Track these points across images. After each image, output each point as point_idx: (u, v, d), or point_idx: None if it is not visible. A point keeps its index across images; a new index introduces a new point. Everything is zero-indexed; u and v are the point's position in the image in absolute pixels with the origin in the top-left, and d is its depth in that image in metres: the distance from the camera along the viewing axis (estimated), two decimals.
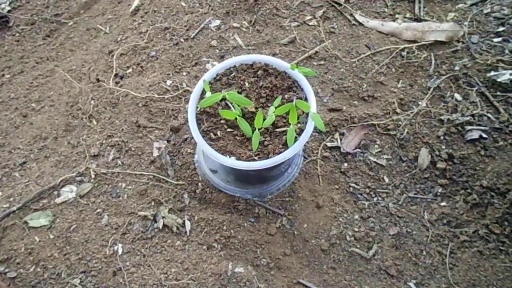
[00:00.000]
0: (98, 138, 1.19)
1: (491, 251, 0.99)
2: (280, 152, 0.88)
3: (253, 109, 0.93)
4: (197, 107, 0.94)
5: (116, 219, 1.06)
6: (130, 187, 1.11)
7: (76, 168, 1.15)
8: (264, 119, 0.89)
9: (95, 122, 1.22)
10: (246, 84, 0.97)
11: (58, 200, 1.10)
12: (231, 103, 0.92)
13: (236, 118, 0.89)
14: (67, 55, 1.51)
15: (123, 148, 1.16)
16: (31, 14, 1.65)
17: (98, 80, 1.30)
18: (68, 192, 1.11)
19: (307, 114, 0.91)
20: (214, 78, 0.98)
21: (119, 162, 1.14)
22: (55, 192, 1.12)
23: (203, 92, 0.95)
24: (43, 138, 1.25)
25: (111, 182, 1.12)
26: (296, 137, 0.89)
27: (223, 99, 0.93)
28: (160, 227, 1.05)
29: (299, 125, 0.91)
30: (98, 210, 1.08)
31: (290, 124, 0.88)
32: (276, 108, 0.89)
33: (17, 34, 1.60)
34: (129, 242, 1.03)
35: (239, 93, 0.95)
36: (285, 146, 0.89)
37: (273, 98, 0.94)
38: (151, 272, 0.99)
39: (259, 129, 0.88)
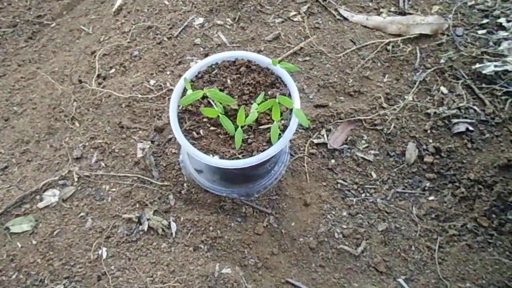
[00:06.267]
0: (81, 140, 1.16)
1: (479, 244, 0.99)
2: (264, 150, 0.87)
3: (236, 107, 0.92)
4: (178, 106, 0.93)
5: (100, 223, 1.04)
6: (114, 189, 1.08)
7: (58, 172, 1.12)
8: (247, 116, 0.87)
9: (77, 124, 1.20)
10: (229, 81, 0.95)
11: (40, 205, 1.08)
12: (213, 101, 0.90)
13: (218, 116, 0.88)
14: (50, 57, 1.48)
15: (107, 150, 1.14)
16: (13, 16, 1.62)
17: (80, 81, 1.28)
18: (51, 196, 1.09)
19: (291, 110, 0.89)
20: (196, 76, 0.96)
21: (103, 164, 1.12)
22: (38, 197, 1.09)
23: (185, 91, 0.93)
24: (25, 142, 1.22)
25: (94, 185, 1.09)
26: (280, 134, 0.87)
27: (205, 97, 0.91)
28: (145, 229, 1.03)
29: (283, 121, 0.90)
30: (81, 214, 1.06)
31: (273, 121, 0.87)
32: (258, 104, 0.88)
33: None
34: (113, 246, 1.01)
35: (222, 90, 0.93)
36: (269, 143, 0.88)
37: (256, 95, 0.93)
38: (137, 275, 0.97)
39: (241, 127, 0.87)
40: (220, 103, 0.89)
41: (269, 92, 0.93)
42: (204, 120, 0.93)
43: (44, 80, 1.37)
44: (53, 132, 1.22)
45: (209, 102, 0.92)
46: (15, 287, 0.97)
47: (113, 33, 1.38)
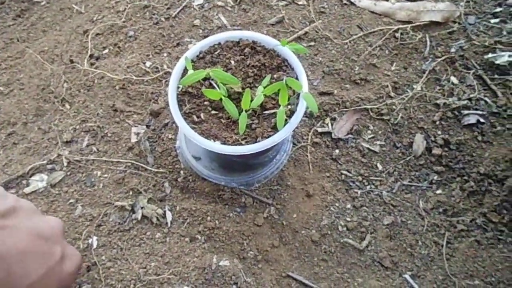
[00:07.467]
0: (71, 123, 1.10)
1: (489, 240, 0.95)
2: (269, 136, 0.81)
3: (240, 90, 0.86)
4: (178, 87, 0.87)
5: (91, 210, 0.98)
6: (106, 175, 1.02)
7: (47, 156, 1.06)
8: (252, 100, 0.81)
9: (68, 106, 1.13)
10: (232, 62, 0.89)
11: (27, 190, 1.01)
12: (216, 83, 0.84)
13: (221, 99, 0.82)
14: (39, 36, 1.40)
15: (99, 134, 1.07)
16: None
17: (71, 61, 1.21)
18: (38, 181, 1.02)
19: (298, 95, 0.84)
20: (197, 56, 0.90)
21: (94, 148, 1.06)
22: (24, 181, 1.03)
23: (185, 71, 0.87)
24: (11, 124, 1.15)
25: (85, 170, 1.03)
26: (286, 120, 0.82)
27: (207, 78, 0.85)
28: (139, 218, 0.97)
29: (289, 106, 0.84)
30: (71, 200, 1.00)
31: (280, 105, 0.81)
32: (264, 87, 0.82)
33: None
34: (104, 235, 0.95)
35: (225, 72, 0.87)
36: (274, 129, 0.82)
37: (261, 78, 0.87)
38: (129, 266, 0.92)
39: (246, 111, 0.81)
40: (224, 85, 0.83)
41: (275, 75, 0.87)
42: (205, 103, 0.87)
43: (32, 60, 1.29)
44: (41, 114, 1.15)
45: (210, 85, 0.86)
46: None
47: (107, 12, 1.31)
